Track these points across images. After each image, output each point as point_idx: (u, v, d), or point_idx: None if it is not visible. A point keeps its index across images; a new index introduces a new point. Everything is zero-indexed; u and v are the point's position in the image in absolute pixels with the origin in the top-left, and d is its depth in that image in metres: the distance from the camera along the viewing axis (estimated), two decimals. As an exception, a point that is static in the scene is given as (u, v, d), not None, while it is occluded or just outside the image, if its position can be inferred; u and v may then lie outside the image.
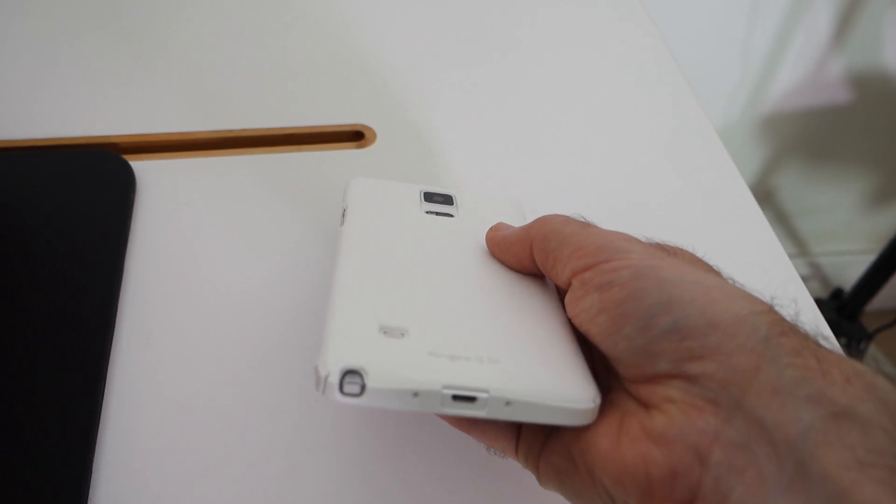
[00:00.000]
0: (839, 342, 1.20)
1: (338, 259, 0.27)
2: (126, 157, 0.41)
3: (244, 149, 0.43)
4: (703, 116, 0.48)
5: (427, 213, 0.31)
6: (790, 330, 0.20)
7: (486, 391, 0.22)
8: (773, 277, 0.40)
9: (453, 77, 0.49)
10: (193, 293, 0.36)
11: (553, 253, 0.25)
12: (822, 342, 0.21)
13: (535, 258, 0.27)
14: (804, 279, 0.38)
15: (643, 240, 0.26)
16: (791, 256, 0.40)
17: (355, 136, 0.45)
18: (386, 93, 0.47)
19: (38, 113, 0.43)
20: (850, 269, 1.23)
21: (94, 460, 0.30)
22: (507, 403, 0.22)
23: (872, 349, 1.20)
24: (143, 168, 0.41)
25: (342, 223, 0.30)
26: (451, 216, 0.31)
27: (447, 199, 0.32)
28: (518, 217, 0.33)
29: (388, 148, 0.44)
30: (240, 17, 0.51)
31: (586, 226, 0.26)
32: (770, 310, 0.21)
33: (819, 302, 1.19)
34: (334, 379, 0.21)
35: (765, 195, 1.20)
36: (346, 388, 0.21)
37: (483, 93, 0.48)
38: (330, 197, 0.40)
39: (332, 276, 0.27)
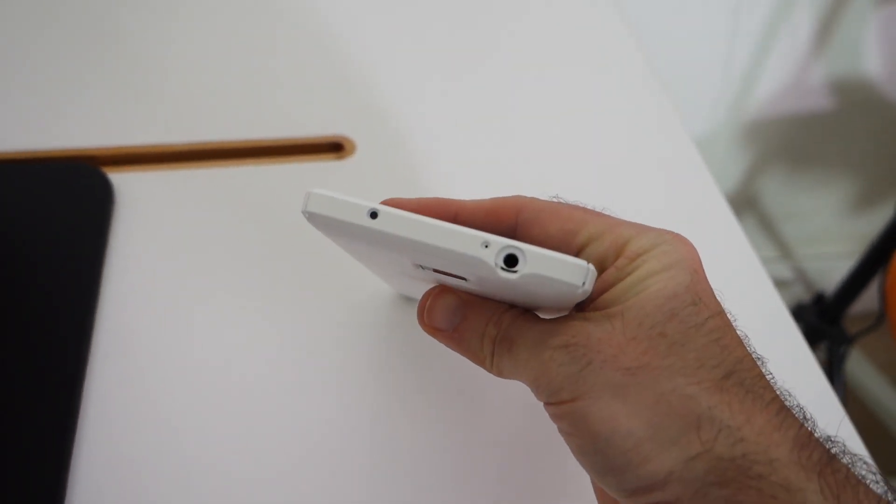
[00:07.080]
0: (821, 346, 1.18)
1: None
2: (104, 169, 0.40)
3: (224, 160, 0.43)
4: (675, 117, 0.48)
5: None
6: (726, 471, 0.20)
7: None
8: (745, 281, 0.41)
9: (434, 87, 0.49)
10: (171, 308, 0.36)
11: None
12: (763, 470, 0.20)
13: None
14: (788, 283, 0.39)
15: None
16: (775, 260, 0.41)
17: (335, 148, 0.45)
18: (365, 103, 0.47)
19: (13, 124, 0.43)
20: (832, 274, 1.24)
21: (69, 478, 0.30)
22: None
23: (854, 353, 1.21)
24: (122, 181, 0.41)
25: None
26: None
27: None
28: None
29: (368, 159, 0.44)
30: (218, 27, 0.51)
31: None
32: (705, 451, 0.20)
33: (801, 307, 1.19)
34: None
35: (748, 200, 1.21)
36: None
37: (464, 103, 0.48)
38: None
39: None
